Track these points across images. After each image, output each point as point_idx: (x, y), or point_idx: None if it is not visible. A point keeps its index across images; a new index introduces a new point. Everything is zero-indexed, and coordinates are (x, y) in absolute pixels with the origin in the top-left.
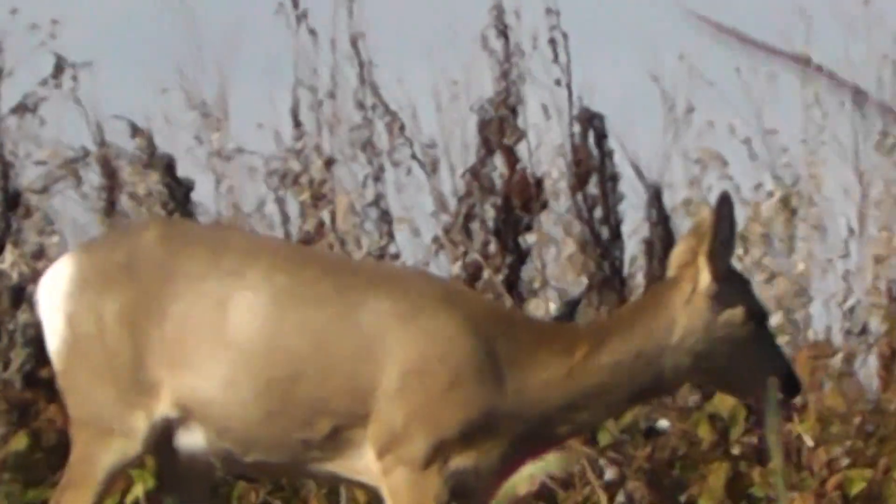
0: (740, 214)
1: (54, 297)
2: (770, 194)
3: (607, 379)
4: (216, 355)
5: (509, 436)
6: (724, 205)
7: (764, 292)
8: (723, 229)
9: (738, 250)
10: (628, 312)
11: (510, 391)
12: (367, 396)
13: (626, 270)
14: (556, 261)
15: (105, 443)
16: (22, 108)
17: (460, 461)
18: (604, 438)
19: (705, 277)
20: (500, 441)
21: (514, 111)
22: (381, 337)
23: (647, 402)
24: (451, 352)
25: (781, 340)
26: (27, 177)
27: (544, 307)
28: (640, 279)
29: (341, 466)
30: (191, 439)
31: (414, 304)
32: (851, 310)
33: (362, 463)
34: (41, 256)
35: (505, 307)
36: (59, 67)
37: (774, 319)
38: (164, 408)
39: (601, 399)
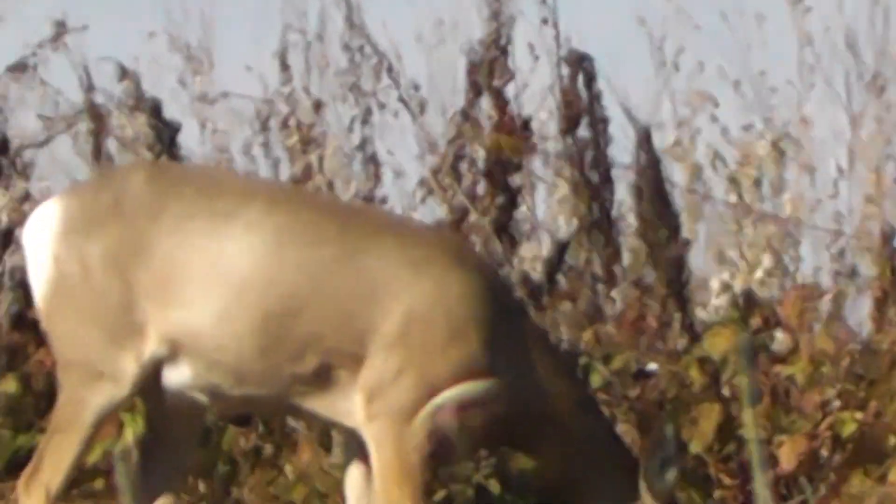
0: (730, 156)
1: (40, 240)
2: (760, 135)
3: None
4: (208, 290)
5: (490, 415)
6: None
7: (754, 235)
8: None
9: (730, 194)
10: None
11: (504, 365)
12: (364, 338)
13: (615, 213)
14: (546, 203)
15: (93, 386)
16: (20, 68)
17: (446, 412)
18: (595, 380)
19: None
20: (483, 417)
21: (504, 52)
22: (389, 282)
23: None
24: (459, 308)
25: (772, 283)
26: (19, 125)
27: (536, 249)
28: (630, 220)
29: (326, 406)
30: (178, 376)
31: (427, 255)
32: (841, 251)
33: (347, 405)
34: (27, 201)
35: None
36: (59, 32)
37: (765, 262)
38: (152, 346)
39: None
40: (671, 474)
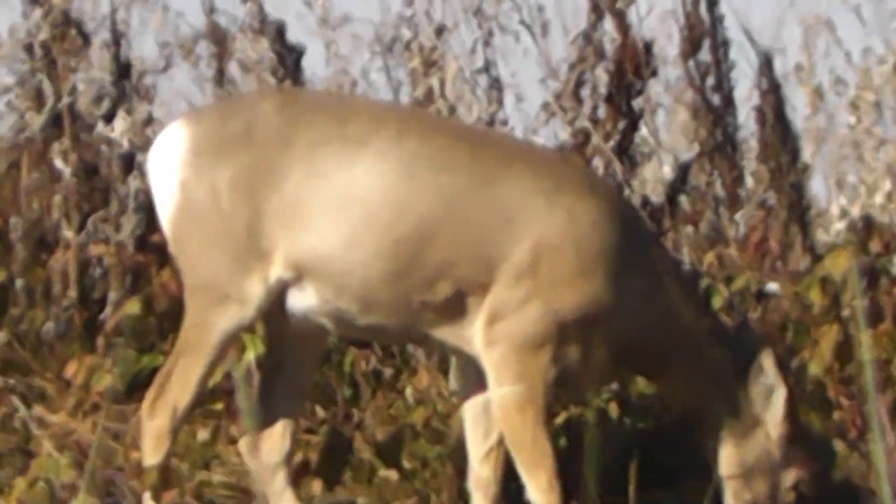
0: (851, 79)
1: (167, 164)
2: (881, 60)
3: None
4: (339, 216)
5: (619, 341)
6: None
7: (873, 161)
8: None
9: (850, 118)
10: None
11: (632, 295)
12: (494, 266)
13: (737, 137)
14: (666, 127)
15: (220, 309)
16: None
17: (571, 349)
18: (716, 302)
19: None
20: (609, 345)
21: None
22: (521, 210)
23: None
24: (591, 238)
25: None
26: (140, 51)
27: (657, 172)
28: (752, 144)
29: (452, 334)
30: (304, 300)
31: (559, 184)
32: None
33: (471, 332)
34: (150, 125)
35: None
36: None
37: (885, 187)
38: (278, 270)
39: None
40: (777, 397)
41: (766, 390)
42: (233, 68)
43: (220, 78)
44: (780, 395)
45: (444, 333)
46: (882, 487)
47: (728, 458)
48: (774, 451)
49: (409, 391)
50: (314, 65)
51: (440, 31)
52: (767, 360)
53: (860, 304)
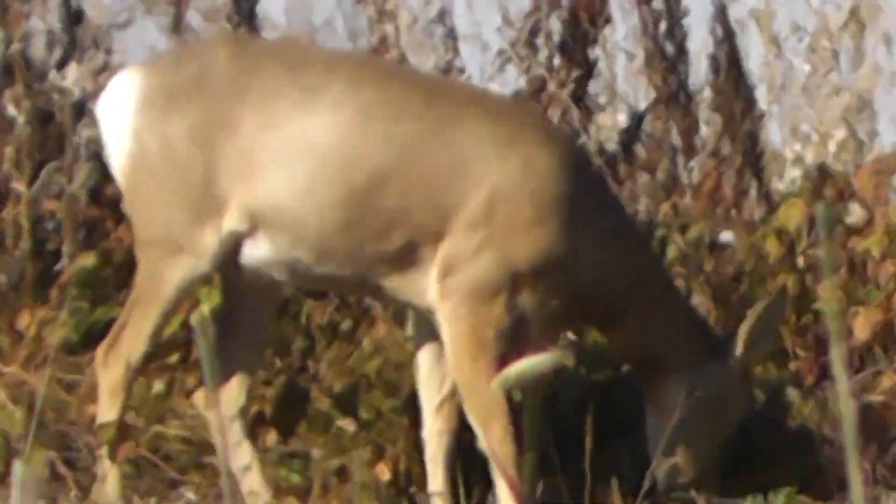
0: (809, 24)
1: (119, 112)
2: (838, 6)
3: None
4: (293, 165)
5: (569, 293)
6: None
7: (829, 108)
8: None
9: (805, 66)
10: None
11: (586, 245)
12: (447, 214)
13: (692, 85)
14: (623, 76)
15: (174, 260)
16: None
17: (524, 299)
18: (671, 252)
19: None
20: (562, 295)
21: None
22: (476, 158)
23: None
24: (546, 187)
25: (846, 157)
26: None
27: (613, 120)
28: (707, 93)
29: (406, 284)
30: (259, 251)
31: (514, 132)
32: None
33: (425, 282)
34: (104, 72)
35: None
36: None
37: (838, 134)
38: (232, 222)
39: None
40: (766, 344)
41: (764, 331)
42: (193, 16)
43: (178, 26)
44: (769, 343)
45: (399, 284)
46: (847, 431)
47: (682, 409)
48: (734, 396)
49: (366, 342)
50: (276, 12)
51: None
52: (783, 306)
53: (825, 252)
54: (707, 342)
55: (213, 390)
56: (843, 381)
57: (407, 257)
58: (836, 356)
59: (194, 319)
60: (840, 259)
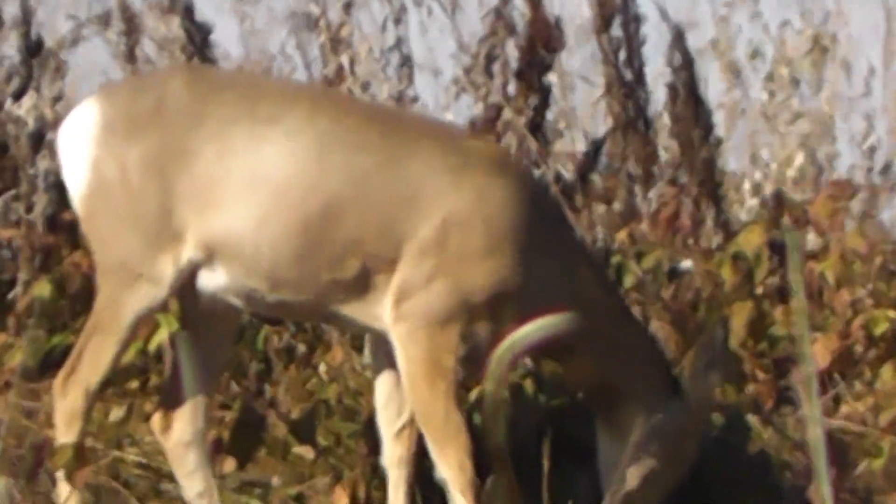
0: (768, 52)
1: (78, 142)
2: (799, 32)
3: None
4: (248, 195)
5: (527, 321)
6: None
7: (789, 134)
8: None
9: (764, 93)
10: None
11: (540, 276)
12: (401, 243)
13: (650, 113)
14: (581, 104)
15: (132, 288)
16: None
17: (479, 327)
18: (628, 280)
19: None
20: (517, 324)
21: None
22: (428, 187)
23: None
24: (499, 216)
25: (805, 183)
26: (51, 27)
27: (571, 147)
28: (665, 121)
29: (361, 311)
30: (215, 280)
31: (468, 161)
32: (872, 149)
33: (380, 310)
34: (59, 101)
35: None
36: None
37: (798, 160)
38: (189, 251)
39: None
40: (714, 377)
41: (707, 365)
42: (147, 45)
43: (132, 55)
44: (717, 375)
45: (354, 311)
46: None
47: (637, 431)
48: (690, 431)
49: (322, 367)
50: (229, 43)
51: (348, 6)
52: (721, 336)
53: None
54: (665, 377)
55: (165, 417)
56: (813, 404)
57: (362, 285)
58: (805, 375)
59: (161, 337)
60: (800, 284)
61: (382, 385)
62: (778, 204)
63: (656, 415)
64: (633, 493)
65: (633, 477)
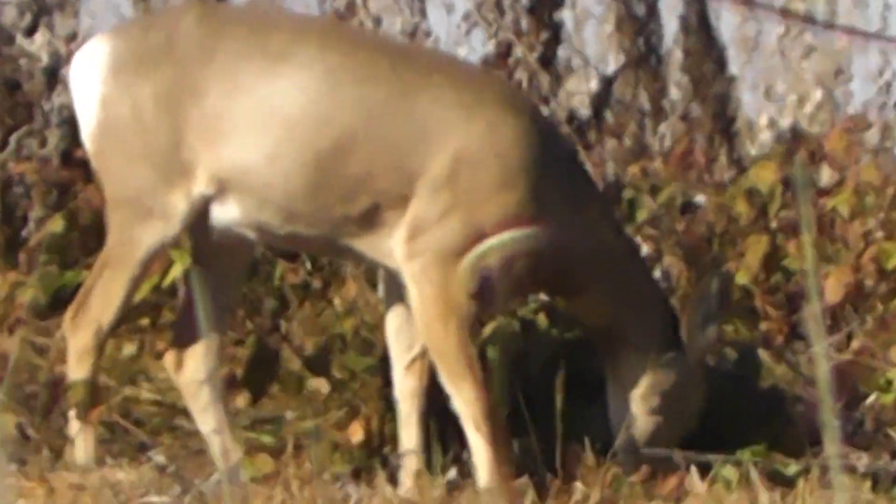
0: None
1: (88, 79)
2: None
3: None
4: (260, 129)
5: (534, 257)
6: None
7: (802, 70)
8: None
9: (779, 28)
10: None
11: (551, 211)
12: (413, 178)
13: (662, 48)
14: (593, 40)
15: (144, 224)
16: None
17: (491, 260)
18: (641, 214)
19: None
20: (527, 259)
21: None
22: (441, 122)
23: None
24: (511, 152)
25: (822, 118)
26: None
27: (583, 85)
28: (677, 56)
29: (372, 246)
30: (227, 213)
31: (479, 97)
32: (888, 84)
33: (392, 243)
34: (74, 39)
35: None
36: None
37: (815, 96)
38: (201, 185)
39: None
40: (711, 331)
41: (705, 318)
42: None
43: None
44: (714, 329)
45: (365, 246)
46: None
47: (642, 382)
48: (691, 385)
49: (337, 301)
50: None
51: None
52: (716, 287)
53: (803, 210)
54: (667, 327)
55: (178, 354)
56: (819, 340)
57: (373, 220)
58: (812, 314)
59: (175, 274)
60: (810, 220)
61: (393, 318)
62: (794, 139)
63: (657, 369)
64: (639, 443)
65: (637, 432)
